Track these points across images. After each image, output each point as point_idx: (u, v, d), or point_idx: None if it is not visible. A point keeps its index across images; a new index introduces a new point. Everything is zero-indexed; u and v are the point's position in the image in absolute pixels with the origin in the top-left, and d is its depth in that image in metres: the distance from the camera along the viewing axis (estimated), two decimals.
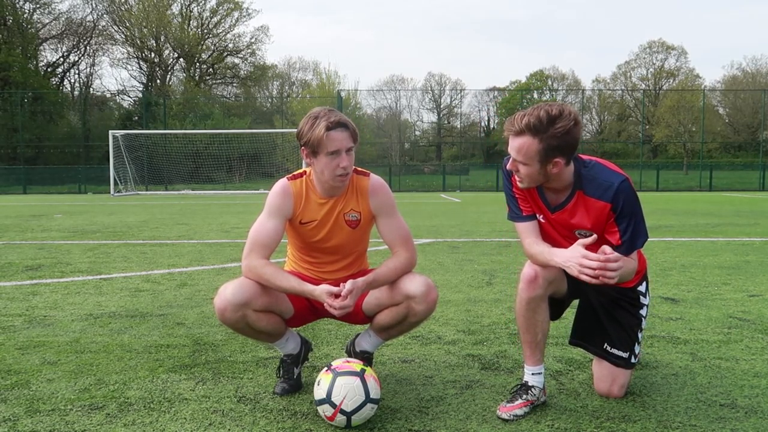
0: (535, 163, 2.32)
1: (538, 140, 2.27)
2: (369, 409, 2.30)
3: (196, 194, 28.59)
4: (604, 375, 2.62)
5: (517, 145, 2.33)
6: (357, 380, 2.29)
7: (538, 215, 2.56)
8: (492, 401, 2.57)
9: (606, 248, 2.25)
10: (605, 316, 2.66)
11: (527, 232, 2.54)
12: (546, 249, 2.43)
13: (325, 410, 2.30)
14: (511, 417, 2.38)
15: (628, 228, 2.39)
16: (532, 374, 2.53)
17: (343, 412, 2.26)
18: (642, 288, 2.67)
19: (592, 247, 2.29)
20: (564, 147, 2.29)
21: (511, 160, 2.41)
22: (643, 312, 2.66)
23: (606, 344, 2.64)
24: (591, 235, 2.34)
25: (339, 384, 2.28)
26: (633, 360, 2.62)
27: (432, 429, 2.30)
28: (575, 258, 2.27)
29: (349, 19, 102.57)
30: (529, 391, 2.47)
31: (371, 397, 2.29)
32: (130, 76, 65.80)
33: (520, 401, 2.43)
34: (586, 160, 2.47)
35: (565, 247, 2.41)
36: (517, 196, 2.56)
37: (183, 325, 3.84)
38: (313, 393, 2.39)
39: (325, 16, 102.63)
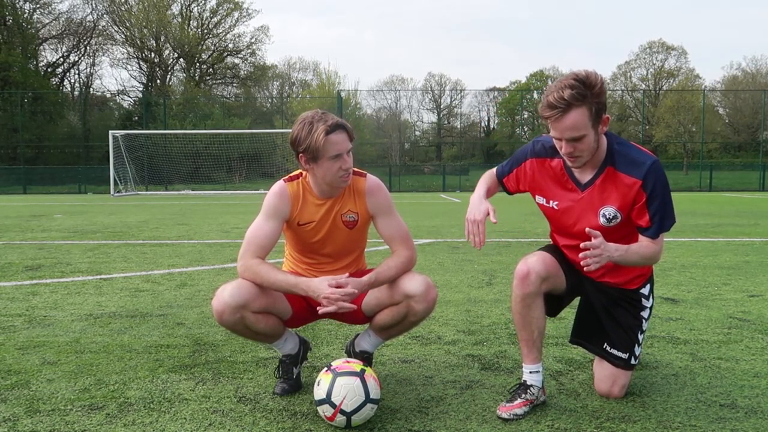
0: (590, 129, 2.30)
1: (587, 106, 2.27)
2: (369, 410, 2.30)
3: (196, 194, 28.58)
4: (604, 376, 2.62)
5: (570, 122, 2.28)
6: (357, 380, 2.29)
7: (554, 202, 2.55)
8: (492, 401, 2.57)
9: (592, 232, 2.26)
10: (605, 316, 2.65)
11: (488, 179, 2.76)
12: (481, 186, 2.67)
13: (325, 410, 2.30)
14: (511, 416, 2.38)
15: (658, 210, 2.39)
16: (530, 372, 2.54)
17: (343, 412, 2.26)
18: (645, 290, 2.66)
19: (612, 235, 2.38)
20: (605, 101, 2.33)
21: (564, 144, 2.34)
22: (644, 314, 2.65)
23: (605, 344, 2.64)
24: (613, 218, 2.43)
25: (339, 384, 2.28)
26: (633, 361, 2.61)
27: (432, 429, 2.30)
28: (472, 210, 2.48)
29: (349, 19, 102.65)
30: (528, 390, 2.47)
31: (371, 397, 2.29)
32: (130, 76, 65.76)
33: (519, 401, 2.43)
34: (621, 138, 2.49)
35: (573, 245, 2.50)
36: (513, 175, 2.69)
37: (183, 325, 3.85)
38: (313, 393, 2.39)
39: (326, 16, 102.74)
